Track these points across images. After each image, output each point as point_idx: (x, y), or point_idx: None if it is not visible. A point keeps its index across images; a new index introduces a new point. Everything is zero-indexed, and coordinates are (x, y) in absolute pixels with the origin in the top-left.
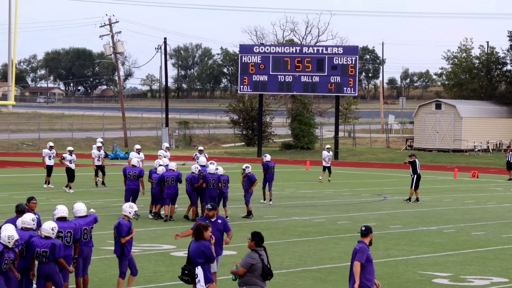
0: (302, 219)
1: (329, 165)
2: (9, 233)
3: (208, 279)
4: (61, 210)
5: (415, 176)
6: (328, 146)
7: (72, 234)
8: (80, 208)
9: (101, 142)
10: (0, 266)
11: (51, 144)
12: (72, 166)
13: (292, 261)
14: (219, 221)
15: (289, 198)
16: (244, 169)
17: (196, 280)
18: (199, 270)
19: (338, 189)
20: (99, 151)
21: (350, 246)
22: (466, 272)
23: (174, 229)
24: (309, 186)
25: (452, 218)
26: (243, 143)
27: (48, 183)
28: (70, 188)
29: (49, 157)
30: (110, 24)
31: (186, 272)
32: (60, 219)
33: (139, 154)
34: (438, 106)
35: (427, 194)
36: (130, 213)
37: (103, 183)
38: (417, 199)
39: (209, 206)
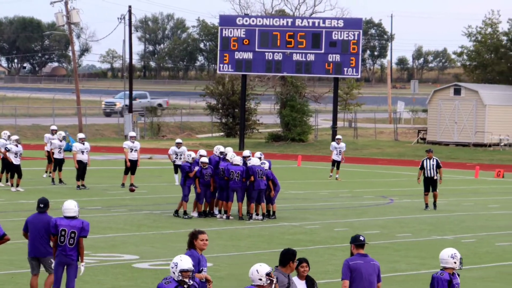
0: (291, 225)
1: (339, 159)
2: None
3: None
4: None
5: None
6: (338, 137)
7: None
8: (70, 207)
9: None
10: None
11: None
12: (17, 160)
13: None
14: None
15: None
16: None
17: None
18: None
19: (336, 190)
20: (61, 141)
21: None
22: None
23: (137, 235)
24: (300, 186)
25: (472, 225)
26: (222, 134)
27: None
28: (18, 185)
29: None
30: None
31: None
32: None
33: (83, 144)
34: (457, 92)
35: (442, 197)
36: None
37: (60, 180)
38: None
39: None
